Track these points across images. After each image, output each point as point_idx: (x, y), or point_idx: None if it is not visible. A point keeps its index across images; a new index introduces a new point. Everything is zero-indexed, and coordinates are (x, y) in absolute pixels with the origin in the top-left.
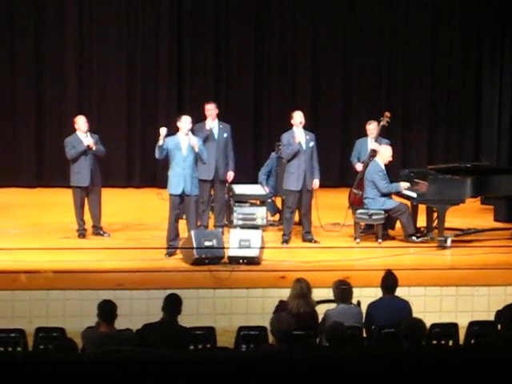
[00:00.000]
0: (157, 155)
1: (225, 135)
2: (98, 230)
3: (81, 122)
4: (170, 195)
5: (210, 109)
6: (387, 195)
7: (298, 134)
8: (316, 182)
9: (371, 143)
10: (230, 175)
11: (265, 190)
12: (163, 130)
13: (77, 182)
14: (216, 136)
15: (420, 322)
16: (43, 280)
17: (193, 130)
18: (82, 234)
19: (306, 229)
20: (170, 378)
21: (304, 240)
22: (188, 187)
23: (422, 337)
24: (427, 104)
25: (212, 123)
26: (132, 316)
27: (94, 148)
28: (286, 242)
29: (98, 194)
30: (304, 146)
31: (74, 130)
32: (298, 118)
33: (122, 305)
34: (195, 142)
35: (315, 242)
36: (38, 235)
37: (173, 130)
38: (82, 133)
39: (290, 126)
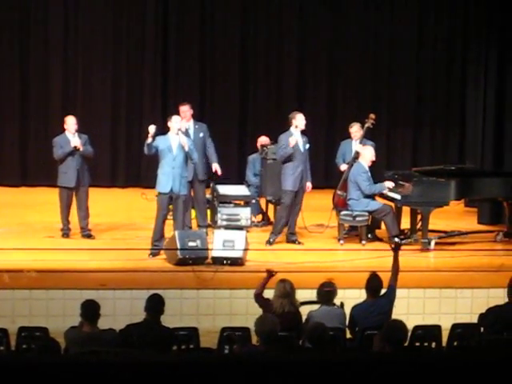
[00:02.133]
0: (145, 152)
1: (201, 135)
2: (85, 232)
3: (70, 123)
4: (159, 194)
5: (185, 110)
6: (370, 196)
7: (295, 137)
8: (309, 185)
9: (355, 145)
10: (217, 168)
11: (256, 191)
12: (152, 128)
13: (63, 183)
14: (192, 136)
15: (401, 324)
16: (26, 279)
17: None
18: (66, 233)
19: (291, 230)
20: (153, 379)
21: (288, 241)
22: (177, 187)
23: (404, 339)
24: (412, 106)
25: (187, 124)
26: (115, 316)
27: (81, 149)
28: (270, 243)
29: (85, 195)
30: (302, 149)
31: (61, 130)
32: (300, 120)
33: (105, 305)
34: (185, 141)
35: (299, 243)
36: (22, 234)
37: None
38: (71, 133)
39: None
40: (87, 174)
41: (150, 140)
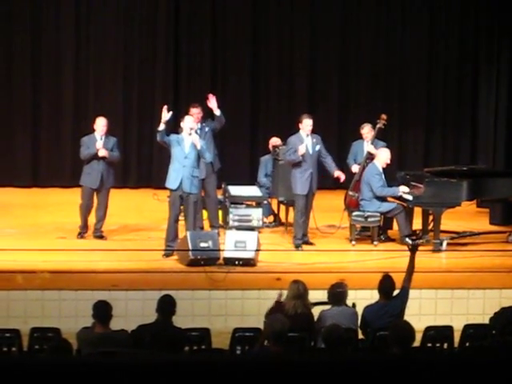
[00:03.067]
0: (157, 138)
1: (206, 129)
2: (97, 233)
3: (99, 124)
4: (170, 192)
5: (196, 113)
6: (382, 198)
7: (306, 144)
8: (339, 174)
9: (367, 146)
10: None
11: (267, 192)
12: (165, 114)
13: (86, 183)
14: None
15: (407, 325)
16: (39, 280)
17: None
18: (81, 234)
19: (303, 231)
20: (165, 380)
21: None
22: (187, 185)
23: (411, 339)
24: (424, 106)
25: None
26: (127, 317)
27: (106, 156)
28: (298, 246)
29: (106, 196)
30: (310, 151)
31: (92, 130)
32: (307, 125)
33: (117, 305)
34: (197, 140)
35: (311, 244)
36: (34, 235)
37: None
38: (99, 135)
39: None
40: (111, 177)
41: (162, 127)
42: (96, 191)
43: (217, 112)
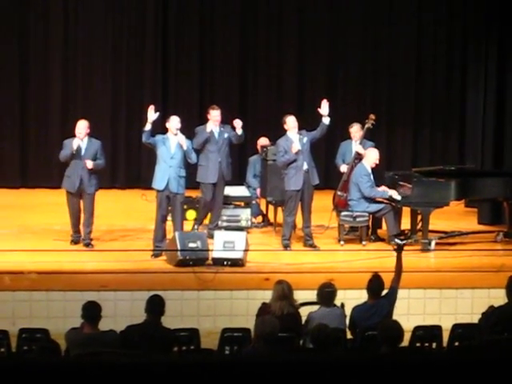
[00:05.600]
0: (143, 139)
1: (225, 135)
2: (85, 241)
3: (78, 127)
4: (157, 192)
5: (215, 115)
6: (370, 198)
7: (295, 141)
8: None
9: (356, 145)
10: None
11: (257, 193)
12: (151, 114)
13: (65, 186)
14: (216, 139)
15: (396, 324)
16: (27, 281)
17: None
18: (73, 241)
19: (308, 234)
20: (154, 381)
21: (305, 245)
22: (174, 186)
23: (399, 339)
24: (412, 106)
25: (216, 128)
26: (116, 317)
27: (91, 167)
28: (287, 246)
29: (90, 202)
30: (300, 147)
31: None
32: (291, 123)
33: (105, 306)
34: (184, 141)
35: (315, 247)
36: (21, 236)
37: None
38: (79, 138)
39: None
40: (94, 182)
41: (148, 127)
42: (79, 196)
43: (239, 131)
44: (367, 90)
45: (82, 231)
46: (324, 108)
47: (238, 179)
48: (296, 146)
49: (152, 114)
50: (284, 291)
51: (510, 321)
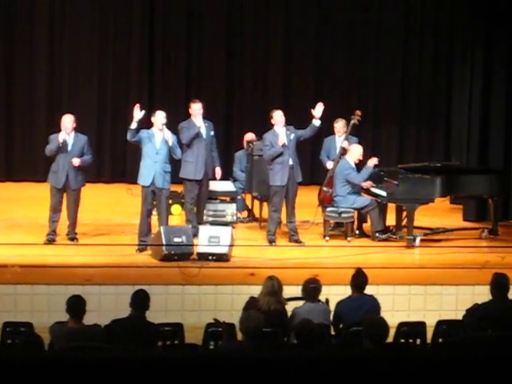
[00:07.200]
0: (128, 137)
1: (211, 133)
2: (70, 235)
3: (64, 121)
4: (142, 188)
5: (197, 108)
6: (357, 193)
7: (282, 135)
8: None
9: (341, 141)
10: (218, 172)
11: (241, 188)
12: (137, 113)
13: (51, 181)
14: (204, 135)
15: (381, 320)
16: (11, 274)
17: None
18: (48, 239)
19: (293, 229)
20: (137, 375)
21: (290, 240)
22: (159, 181)
23: (384, 335)
24: (398, 103)
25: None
26: (100, 311)
27: (78, 164)
28: (272, 241)
29: (74, 198)
30: (286, 142)
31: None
32: (278, 117)
33: (90, 300)
34: (169, 136)
35: (300, 242)
36: (6, 230)
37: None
38: (65, 133)
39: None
40: (80, 178)
41: (134, 125)
42: (64, 192)
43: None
44: (353, 88)
45: (58, 229)
46: (318, 110)
47: (224, 174)
48: (282, 139)
49: (138, 113)
50: (274, 287)
51: (493, 318)
